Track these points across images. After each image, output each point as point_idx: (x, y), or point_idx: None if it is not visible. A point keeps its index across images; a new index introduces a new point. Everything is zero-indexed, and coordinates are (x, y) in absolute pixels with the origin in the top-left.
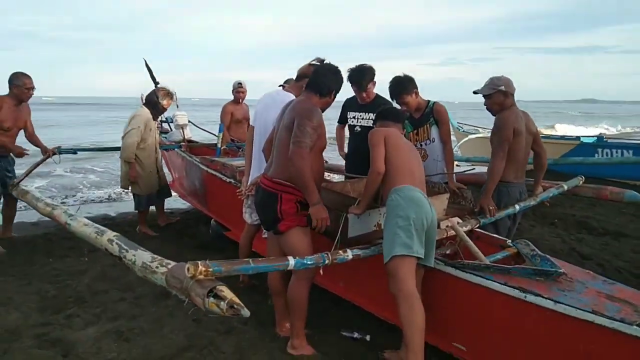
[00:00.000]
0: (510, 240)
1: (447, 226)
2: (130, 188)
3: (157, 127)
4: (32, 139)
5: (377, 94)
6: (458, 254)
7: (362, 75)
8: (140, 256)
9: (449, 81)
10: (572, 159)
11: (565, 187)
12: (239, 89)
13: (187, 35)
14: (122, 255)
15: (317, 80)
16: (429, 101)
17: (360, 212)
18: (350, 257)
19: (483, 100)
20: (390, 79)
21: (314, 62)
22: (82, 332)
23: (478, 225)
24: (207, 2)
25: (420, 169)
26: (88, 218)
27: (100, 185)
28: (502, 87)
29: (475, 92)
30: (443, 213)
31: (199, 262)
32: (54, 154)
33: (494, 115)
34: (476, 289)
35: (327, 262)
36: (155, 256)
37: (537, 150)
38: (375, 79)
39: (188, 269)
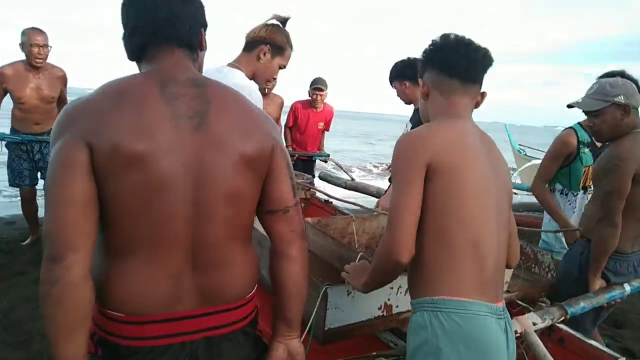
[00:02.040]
0: (623, 358)
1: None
2: None
3: None
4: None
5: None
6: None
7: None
8: None
9: (507, 104)
10: None
11: None
12: None
13: None
14: None
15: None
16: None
17: (361, 289)
18: None
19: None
20: None
21: (272, 22)
22: None
23: (564, 318)
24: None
25: (499, 231)
26: None
27: None
28: (621, 98)
29: (570, 106)
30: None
31: None
32: None
33: (601, 142)
34: None
35: None
36: None
37: None
38: None
39: None
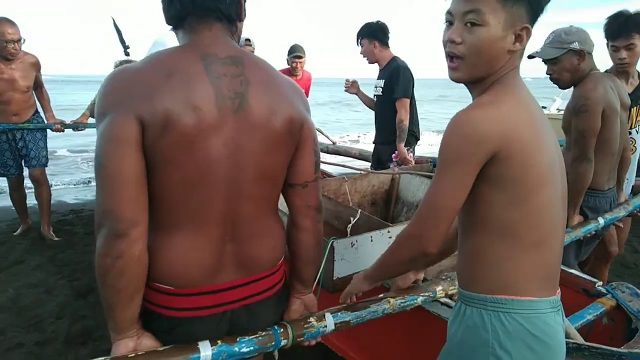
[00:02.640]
0: (599, 282)
1: None
2: None
3: None
4: (41, 101)
5: (394, 56)
6: None
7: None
8: None
9: None
10: None
11: None
12: (246, 45)
13: None
14: None
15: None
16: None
17: (365, 286)
18: (332, 327)
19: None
20: None
21: None
22: None
23: None
24: None
25: (564, 219)
26: None
27: None
28: (576, 44)
29: (530, 57)
30: None
31: None
32: (60, 130)
33: (562, 88)
34: None
35: (283, 342)
36: None
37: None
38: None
39: None
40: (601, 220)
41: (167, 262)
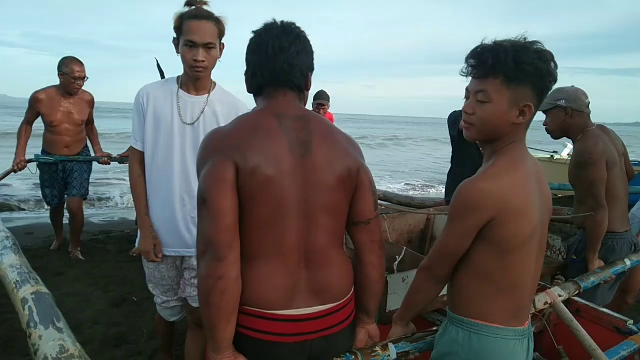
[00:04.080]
0: (631, 321)
1: (545, 304)
2: None
3: None
4: (90, 136)
5: None
6: (546, 331)
7: None
8: (47, 341)
9: None
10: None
11: None
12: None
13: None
14: (27, 333)
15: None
16: None
17: (399, 330)
18: (394, 356)
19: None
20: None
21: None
22: None
23: (578, 292)
24: (254, 19)
25: (539, 265)
26: None
27: None
28: (563, 102)
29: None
30: None
31: None
32: (107, 163)
33: (554, 138)
34: None
35: None
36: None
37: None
38: (424, 93)
39: None
40: (628, 262)
41: (252, 286)
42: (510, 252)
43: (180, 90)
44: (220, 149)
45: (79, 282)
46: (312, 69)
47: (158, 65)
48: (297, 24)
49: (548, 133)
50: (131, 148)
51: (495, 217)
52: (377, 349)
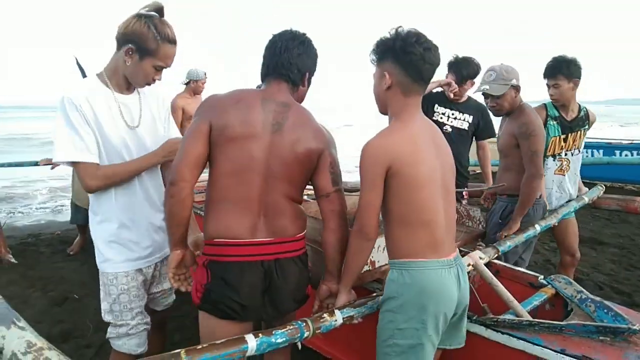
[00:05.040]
0: (542, 276)
1: (468, 265)
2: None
3: None
4: None
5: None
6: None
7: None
8: (11, 340)
9: None
10: None
11: (586, 199)
12: (204, 80)
13: None
14: None
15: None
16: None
17: (346, 296)
18: (340, 321)
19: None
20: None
21: (144, 12)
22: None
23: (497, 255)
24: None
25: (446, 207)
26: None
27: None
28: (514, 81)
29: (484, 94)
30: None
31: None
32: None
33: (499, 116)
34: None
35: (306, 334)
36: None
37: None
38: None
39: None
40: (537, 227)
41: (220, 222)
42: (414, 192)
43: (116, 93)
44: (202, 110)
45: (14, 284)
46: (311, 69)
47: (78, 64)
48: (307, 34)
49: (495, 112)
50: (79, 164)
51: (391, 165)
52: (325, 315)
